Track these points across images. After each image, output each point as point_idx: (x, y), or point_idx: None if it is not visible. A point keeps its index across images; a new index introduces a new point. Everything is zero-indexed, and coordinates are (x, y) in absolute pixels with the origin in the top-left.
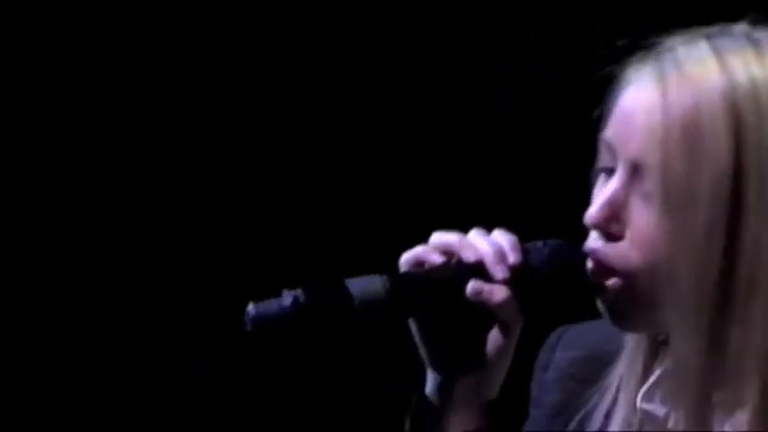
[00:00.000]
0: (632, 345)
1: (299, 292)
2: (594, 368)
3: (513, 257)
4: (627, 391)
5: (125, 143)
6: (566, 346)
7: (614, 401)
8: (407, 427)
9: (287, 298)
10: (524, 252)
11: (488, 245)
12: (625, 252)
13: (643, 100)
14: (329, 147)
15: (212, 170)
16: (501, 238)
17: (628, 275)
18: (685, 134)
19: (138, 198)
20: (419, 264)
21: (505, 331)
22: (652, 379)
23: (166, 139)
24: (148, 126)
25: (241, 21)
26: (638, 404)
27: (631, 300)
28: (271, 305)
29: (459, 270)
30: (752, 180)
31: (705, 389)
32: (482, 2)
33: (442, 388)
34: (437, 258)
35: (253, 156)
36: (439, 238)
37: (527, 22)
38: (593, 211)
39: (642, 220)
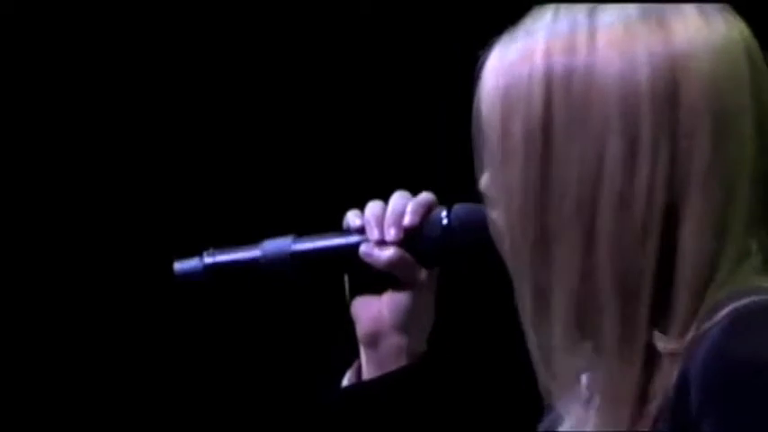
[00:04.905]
0: None
1: (214, 251)
2: None
3: (408, 219)
4: None
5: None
6: None
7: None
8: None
9: (203, 257)
10: (425, 214)
11: (391, 207)
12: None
13: (488, 67)
14: (328, 146)
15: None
16: (404, 200)
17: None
18: (504, 94)
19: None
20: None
21: (408, 288)
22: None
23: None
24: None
25: (240, 20)
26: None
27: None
28: (189, 263)
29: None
30: (559, 133)
31: (544, 352)
32: (483, 2)
33: (365, 343)
34: (357, 222)
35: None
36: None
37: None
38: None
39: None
